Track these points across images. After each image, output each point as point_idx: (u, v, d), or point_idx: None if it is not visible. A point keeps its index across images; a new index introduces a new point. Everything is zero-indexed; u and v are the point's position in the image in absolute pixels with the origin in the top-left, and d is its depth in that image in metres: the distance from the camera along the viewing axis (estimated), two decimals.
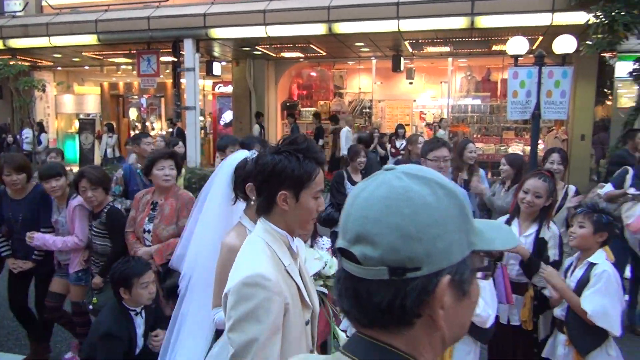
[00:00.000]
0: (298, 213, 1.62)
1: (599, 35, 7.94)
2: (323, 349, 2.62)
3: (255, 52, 13.29)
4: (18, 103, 14.30)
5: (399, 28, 9.94)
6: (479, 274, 0.78)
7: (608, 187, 4.75)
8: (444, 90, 14.64)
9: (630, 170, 4.77)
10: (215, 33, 11.10)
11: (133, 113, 18.16)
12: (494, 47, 11.91)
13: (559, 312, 2.87)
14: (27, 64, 14.15)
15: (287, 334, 1.53)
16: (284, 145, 1.61)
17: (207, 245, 2.30)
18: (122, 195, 4.59)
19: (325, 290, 2.22)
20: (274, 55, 13.85)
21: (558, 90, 7.83)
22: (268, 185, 1.61)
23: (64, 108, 17.91)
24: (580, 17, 8.39)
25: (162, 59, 12.45)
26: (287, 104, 15.37)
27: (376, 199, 0.72)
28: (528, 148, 11.04)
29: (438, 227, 0.70)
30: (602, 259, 2.73)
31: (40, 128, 14.58)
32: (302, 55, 14.00)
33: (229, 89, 15.76)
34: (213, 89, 16.91)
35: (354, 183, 5.30)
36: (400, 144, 10.49)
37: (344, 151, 10.93)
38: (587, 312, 2.62)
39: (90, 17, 11.74)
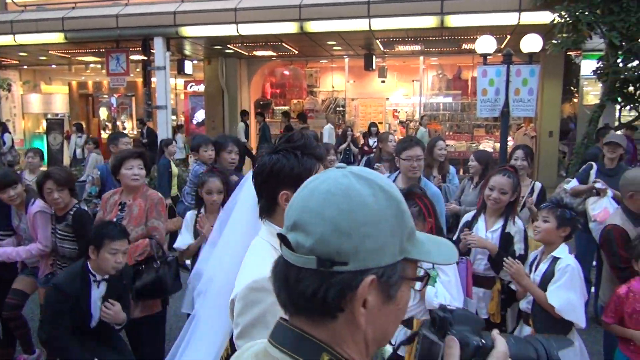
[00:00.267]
0: None
1: (564, 35, 8.15)
2: None
3: (227, 51, 13.20)
4: None
5: (370, 27, 10.00)
6: (418, 285, 0.80)
7: (573, 183, 4.89)
8: (416, 88, 14.80)
9: (594, 166, 4.93)
10: (186, 31, 10.98)
11: (103, 113, 17.80)
12: (464, 46, 12.10)
13: (524, 305, 2.94)
14: None
15: None
16: (281, 144, 1.58)
17: (233, 248, 2.21)
18: (98, 196, 4.51)
19: None
20: (246, 54, 13.78)
21: (526, 88, 8.00)
22: (268, 186, 1.57)
23: (31, 108, 17.45)
24: (545, 17, 8.59)
25: (132, 57, 12.23)
26: (261, 102, 15.31)
27: (318, 192, 0.75)
28: (498, 145, 11.26)
29: (370, 227, 0.72)
30: (565, 253, 2.80)
31: (4, 128, 14.16)
32: (275, 54, 13.97)
33: (201, 87, 15.61)
34: (185, 88, 16.72)
35: None
36: (373, 142, 10.55)
37: None
38: (555, 307, 2.68)
39: (56, 14, 11.45)
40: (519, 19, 9.35)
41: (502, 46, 10.37)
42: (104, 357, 2.94)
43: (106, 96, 17.59)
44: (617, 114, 9.37)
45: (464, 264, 3.03)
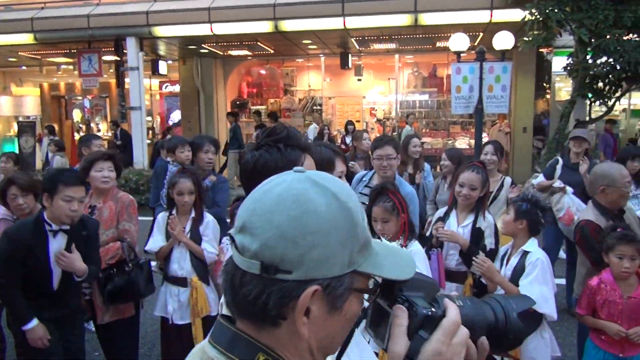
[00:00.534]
0: None
1: (535, 32, 8.28)
2: None
3: (202, 51, 13.07)
4: None
5: (344, 25, 10.02)
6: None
7: (540, 178, 4.98)
8: (392, 86, 14.89)
9: (560, 161, 5.03)
10: (159, 31, 10.85)
11: (77, 115, 17.48)
12: (438, 44, 12.21)
13: None
14: None
15: None
16: (262, 139, 1.51)
17: None
18: None
19: None
20: (222, 54, 13.67)
21: (499, 85, 8.13)
22: (254, 184, 1.51)
23: (1, 110, 17.03)
24: (517, 15, 8.73)
25: (105, 57, 12.04)
26: (237, 102, 15.21)
27: (270, 195, 0.73)
28: (474, 141, 11.40)
29: (319, 237, 0.70)
30: (534, 246, 2.84)
31: None
32: (250, 53, 13.89)
33: (176, 88, 15.44)
34: (160, 89, 16.52)
35: None
36: (349, 140, 10.59)
37: None
38: None
39: (25, 14, 11.20)
40: (491, 16, 9.49)
41: (475, 44, 10.49)
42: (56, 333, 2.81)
43: (79, 98, 17.28)
44: (587, 110, 9.57)
45: (435, 255, 3.06)
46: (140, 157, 11.27)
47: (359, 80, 14.60)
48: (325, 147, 1.82)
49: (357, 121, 13.49)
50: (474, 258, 2.86)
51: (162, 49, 13.01)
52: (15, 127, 16.33)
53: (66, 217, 2.71)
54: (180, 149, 4.41)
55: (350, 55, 13.11)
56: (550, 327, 2.94)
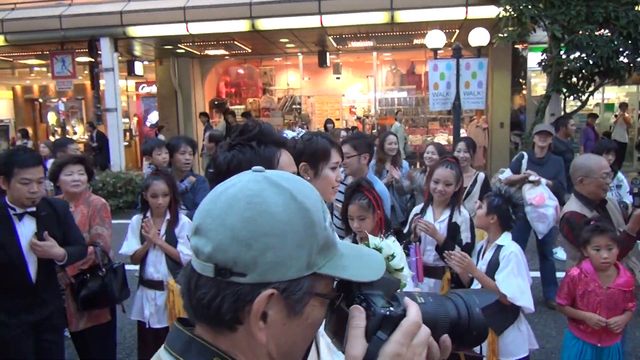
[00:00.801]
0: None
1: (510, 28, 8.37)
2: None
3: (178, 51, 12.93)
4: None
5: (321, 23, 10.01)
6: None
7: (507, 172, 5.04)
8: (371, 84, 14.93)
9: (526, 155, 5.11)
10: (134, 31, 10.69)
11: (52, 117, 17.17)
12: (415, 41, 12.27)
13: None
14: None
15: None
16: (234, 138, 1.45)
17: None
18: None
19: None
20: (198, 53, 13.55)
21: (475, 81, 8.20)
22: None
23: None
24: (491, 11, 8.81)
25: (79, 59, 11.84)
26: (216, 102, 15.09)
27: (225, 196, 0.71)
28: (452, 137, 11.49)
29: (273, 238, 0.68)
30: (507, 240, 2.86)
31: None
32: (227, 53, 13.79)
33: (153, 89, 15.25)
34: (137, 90, 16.30)
35: None
36: None
37: None
38: (507, 295, 2.73)
39: None
40: (466, 13, 9.57)
41: (452, 40, 10.57)
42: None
43: (54, 100, 16.96)
44: (562, 104, 9.72)
45: (413, 249, 3.07)
46: (117, 159, 11.10)
47: (338, 78, 14.60)
48: (321, 136, 1.79)
49: (336, 119, 13.49)
50: (452, 254, 2.86)
51: (137, 50, 12.83)
52: None
53: (26, 199, 2.63)
54: (157, 151, 4.34)
55: (328, 53, 13.11)
56: (527, 320, 2.97)
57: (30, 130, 14.97)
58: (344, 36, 11.73)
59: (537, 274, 5.05)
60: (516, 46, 11.99)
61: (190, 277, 0.72)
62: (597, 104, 13.22)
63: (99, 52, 11.12)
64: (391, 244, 1.91)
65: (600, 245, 2.79)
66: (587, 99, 8.87)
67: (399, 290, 0.78)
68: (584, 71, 8.12)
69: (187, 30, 10.38)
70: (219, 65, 14.98)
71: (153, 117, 15.50)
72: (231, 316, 0.68)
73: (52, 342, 2.84)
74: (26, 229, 2.69)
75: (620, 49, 7.66)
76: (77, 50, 11.50)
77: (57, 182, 3.33)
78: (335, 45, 12.70)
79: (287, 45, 13.03)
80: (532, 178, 4.70)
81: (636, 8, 7.71)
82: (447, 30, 9.51)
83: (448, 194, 3.18)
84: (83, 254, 2.99)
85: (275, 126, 14.40)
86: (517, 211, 2.88)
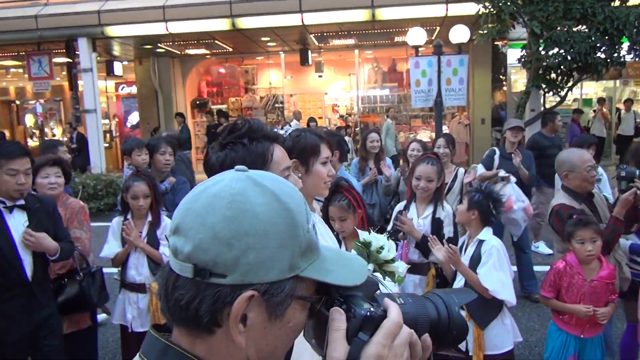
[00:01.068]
0: None
1: (489, 25, 8.43)
2: None
3: (158, 50, 12.78)
4: None
5: (302, 22, 9.98)
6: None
7: (480, 169, 5.08)
8: (353, 82, 14.95)
9: (497, 151, 5.15)
10: (112, 31, 10.55)
11: (30, 120, 16.84)
12: (397, 39, 12.32)
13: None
14: None
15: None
16: (225, 137, 1.42)
17: None
18: None
19: (379, 277, 1.90)
20: (179, 53, 13.41)
21: (456, 77, 8.26)
22: None
23: None
24: (471, 8, 8.86)
25: (56, 60, 11.64)
26: (197, 102, 14.97)
27: (206, 194, 0.69)
28: (434, 134, 11.56)
29: (255, 239, 0.66)
30: (489, 235, 2.90)
31: None
32: (208, 52, 13.68)
33: (133, 89, 15.06)
34: (116, 90, 16.08)
35: None
36: None
37: None
38: (489, 289, 2.76)
39: None
40: (447, 10, 9.62)
41: (433, 38, 10.63)
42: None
43: (32, 102, 16.64)
44: (542, 100, 9.83)
45: (400, 245, 3.08)
46: (98, 161, 10.94)
47: (320, 76, 14.59)
48: (310, 132, 1.78)
49: (319, 118, 13.48)
50: (445, 246, 2.86)
51: (116, 50, 12.66)
52: None
53: (14, 191, 2.58)
54: (137, 152, 4.27)
55: (310, 51, 13.09)
56: (511, 313, 2.99)
57: (7, 133, 14.67)
58: (325, 34, 11.71)
59: (515, 268, 5.10)
60: (496, 43, 12.10)
61: (168, 278, 0.70)
62: (575, 100, 13.40)
63: (77, 52, 10.94)
64: (380, 237, 1.91)
65: (585, 238, 2.83)
66: (566, 95, 8.99)
67: (378, 292, 0.76)
68: (562, 67, 8.22)
69: (167, 30, 10.27)
70: (200, 64, 14.85)
71: (133, 118, 15.31)
72: (210, 318, 0.66)
73: (52, 347, 2.78)
74: (17, 222, 2.64)
75: (598, 45, 7.77)
76: (54, 51, 11.31)
77: (33, 185, 3.25)
78: (316, 43, 12.69)
79: (269, 44, 12.97)
80: (501, 174, 4.75)
81: (612, 4, 7.84)
82: (427, 28, 9.57)
83: (430, 190, 3.19)
84: (72, 252, 2.94)
85: None
86: (498, 206, 2.91)
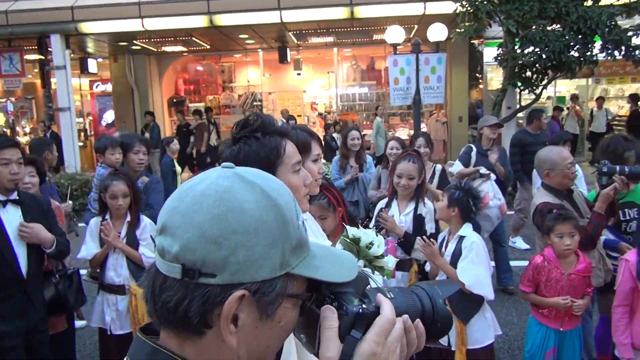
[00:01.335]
0: None
1: (467, 23, 8.53)
2: None
3: (134, 47, 12.57)
4: None
5: (281, 19, 9.93)
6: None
7: (457, 165, 5.14)
8: (332, 80, 14.95)
9: (474, 148, 5.23)
10: (86, 27, 10.33)
11: (0, 118, 16.38)
12: (375, 37, 12.36)
13: None
14: None
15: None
16: (237, 132, 1.45)
17: None
18: None
19: (368, 272, 1.90)
20: (155, 50, 13.22)
21: (434, 75, 8.33)
22: None
23: None
24: (449, 7, 8.95)
25: (28, 56, 11.35)
26: (174, 100, 14.78)
27: (193, 193, 0.68)
28: (413, 132, 11.63)
29: (245, 236, 0.64)
30: (469, 231, 2.94)
31: None
32: (185, 49, 13.52)
33: (109, 87, 14.79)
34: (91, 88, 15.77)
35: None
36: None
37: None
38: (465, 283, 2.79)
39: None
40: (425, 8, 9.69)
41: (411, 36, 10.68)
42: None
43: (2, 100, 16.19)
44: (518, 98, 9.99)
45: (385, 243, 3.09)
46: (72, 160, 10.71)
47: (299, 74, 14.56)
48: (300, 129, 1.77)
49: (298, 116, 13.46)
50: (418, 239, 2.89)
51: (90, 46, 12.40)
52: None
53: (8, 182, 2.53)
54: (110, 151, 4.17)
55: (288, 49, 13.03)
56: (491, 308, 3.03)
57: None
58: (304, 32, 11.69)
59: (492, 263, 5.21)
60: (473, 41, 12.24)
61: (155, 279, 0.68)
62: (548, 97, 13.66)
63: (50, 49, 10.69)
64: (369, 233, 1.92)
65: (563, 233, 2.88)
66: (541, 93, 9.14)
67: (369, 287, 0.76)
68: (537, 65, 8.36)
69: (143, 26, 10.11)
70: (177, 62, 14.67)
71: (108, 116, 15.03)
72: (199, 320, 0.64)
73: (44, 356, 2.73)
74: (11, 216, 2.58)
75: (571, 44, 7.92)
76: (25, 47, 11.03)
77: None
78: (295, 41, 12.65)
79: (247, 42, 12.88)
80: (482, 171, 4.81)
81: (585, 4, 8.00)
82: (406, 26, 9.61)
83: (412, 187, 3.22)
84: (68, 248, 2.88)
85: None
86: (477, 203, 2.94)
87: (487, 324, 2.96)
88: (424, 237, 2.97)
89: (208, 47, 13.03)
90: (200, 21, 10.07)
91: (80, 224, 4.75)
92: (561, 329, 2.97)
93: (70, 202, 4.41)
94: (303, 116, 15.01)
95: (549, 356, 2.96)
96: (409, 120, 14.25)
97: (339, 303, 0.71)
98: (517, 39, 8.21)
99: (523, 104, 9.75)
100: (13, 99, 15.90)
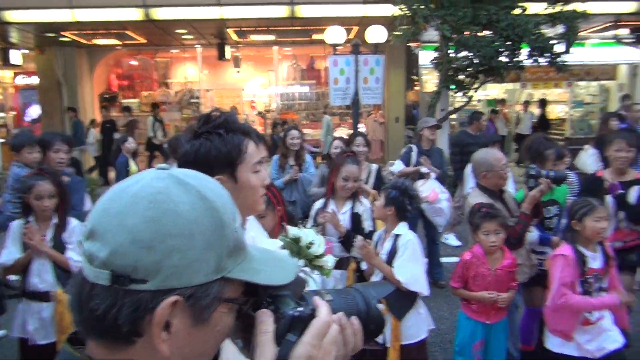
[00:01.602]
0: (242, 195, 1.41)
1: (404, 27, 8.74)
2: None
3: (62, 39, 11.89)
4: None
5: (221, 15, 9.76)
6: None
7: (398, 165, 5.30)
8: (272, 78, 14.87)
9: (415, 148, 5.41)
10: (10, 16, 9.68)
11: None
12: (315, 36, 12.40)
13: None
14: None
15: None
16: (200, 127, 1.40)
17: None
18: None
19: (308, 271, 1.89)
20: (86, 43, 12.58)
21: (373, 77, 8.47)
22: None
23: None
24: (388, 10, 9.14)
25: None
26: (106, 96, 14.15)
27: (125, 195, 0.65)
28: (352, 131, 11.78)
29: (179, 240, 0.63)
30: (404, 229, 3.02)
31: None
32: (119, 43, 12.96)
33: (35, 80, 13.92)
34: (14, 81, 14.81)
35: None
36: None
37: None
38: (401, 281, 2.87)
39: None
40: (364, 10, 9.84)
41: (351, 37, 10.82)
42: None
43: None
44: (451, 100, 10.35)
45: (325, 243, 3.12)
46: None
47: (238, 72, 14.38)
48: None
49: (237, 114, 13.26)
50: (357, 239, 2.94)
51: (14, 37, 11.63)
52: None
53: None
54: (28, 149, 3.93)
55: (228, 46, 12.82)
56: (424, 303, 3.13)
57: None
58: (244, 29, 11.54)
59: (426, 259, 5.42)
60: (410, 44, 12.56)
61: (82, 286, 0.64)
62: (479, 100, 14.28)
63: None
64: (309, 233, 1.93)
65: (489, 230, 3.02)
66: (472, 96, 9.54)
67: (307, 290, 0.76)
68: (469, 69, 8.70)
69: (73, 17, 9.60)
70: (109, 56, 14.04)
71: (33, 111, 14.18)
72: (129, 328, 0.62)
73: None
74: None
75: (501, 50, 8.30)
76: None
77: None
78: (235, 38, 12.46)
79: (185, 37, 12.55)
80: (423, 170, 4.97)
81: (513, 12, 8.41)
82: (346, 27, 9.72)
83: (355, 188, 3.28)
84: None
85: (173, 121, 13.82)
86: (413, 202, 3.03)
87: (420, 320, 3.05)
88: (360, 238, 3.03)
89: (144, 41, 12.57)
90: (135, 14, 9.70)
91: None
92: (488, 322, 3.11)
93: None
94: (242, 115, 14.82)
95: (477, 348, 3.10)
96: (348, 120, 14.43)
97: (275, 306, 0.70)
98: (451, 44, 8.50)
99: (456, 106, 10.13)
100: None
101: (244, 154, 1.41)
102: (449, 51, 8.58)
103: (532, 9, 8.58)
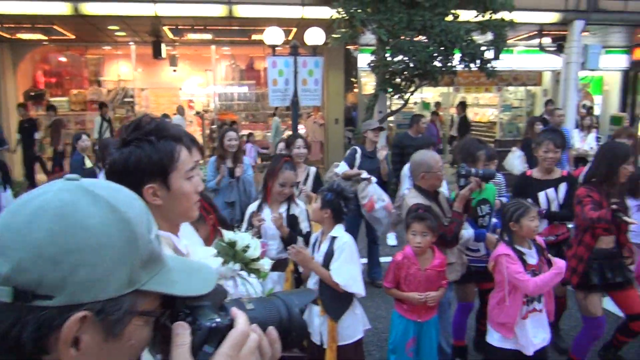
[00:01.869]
0: (176, 203, 1.38)
1: (342, 30, 8.86)
2: None
3: None
4: None
5: (155, 12, 9.47)
6: None
7: (343, 166, 5.37)
8: (210, 78, 14.62)
9: (359, 150, 5.51)
10: None
11: None
12: (254, 37, 12.31)
13: (311, 284, 3.11)
14: None
15: None
16: (129, 133, 1.33)
17: None
18: None
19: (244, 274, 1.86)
20: (9, 37, 11.82)
21: (312, 78, 8.51)
22: (128, 186, 1.28)
23: None
24: (326, 12, 9.22)
25: None
26: (32, 93, 13.36)
27: (30, 207, 0.62)
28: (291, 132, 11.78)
29: (86, 254, 0.61)
30: (341, 232, 3.06)
31: None
32: (46, 38, 12.27)
33: None
34: None
35: None
36: None
37: None
38: (340, 284, 2.90)
39: None
40: (303, 12, 9.87)
41: (290, 38, 10.83)
42: None
43: None
44: (388, 102, 10.60)
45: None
46: None
47: (174, 71, 14.01)
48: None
49: (173, 115, 12.91)
50: (289, 248, 2.95)
51: None
52: None
53: None
54: None
55: (163, 44, 12.45)
56: (360, 303, 3.18)
57: None
58: (180, 27, 11.25)
59: (365, 260, 5.51)
60: (348, 47, 12.73)
61: None
62: (415, 103, 14.71)
63: None
64: (245, 236, 1.92)
65: (417, 231, 3.13)
66: (409, 98, 9.81)
67: (227, 300, 0.75)
68: (405, 73, 8.94)
69: None
70: (35, 51, 13.25)
71: None
72: (33, 346, 0.59)
73: None
74: None
75: (435, 54, 8.59)
76: None
77: None
78: (171, 36, 12.13)
79: (117, 34, 12.07)
80: (364, 176, 5.05)
81: (446, 19, 8.73)
82: (284, 28, 9.71)
83: (291, 193, 3.30)
84: None
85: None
86: (349, 204, 3.07)
87: (357, 320, 3.10)
88: (294, 245, 3.05)
89: (73, 37, 11.98)
90: (63, 8, 9.21)
91: None
92: (419, 320, 3.22)
93: None
94: (187, 116, 14.46)
95: (410, 346, 3.19)
96: (288, 121, 14.41)
97: (193, 318, 0.69)
98: (387, 48, 8.70)
99: (393, 108, 10.38)
100: None
101: (176, 161, 1.37)
102: (386, 55, 8.78)
103: (464, 16, 8.94)
